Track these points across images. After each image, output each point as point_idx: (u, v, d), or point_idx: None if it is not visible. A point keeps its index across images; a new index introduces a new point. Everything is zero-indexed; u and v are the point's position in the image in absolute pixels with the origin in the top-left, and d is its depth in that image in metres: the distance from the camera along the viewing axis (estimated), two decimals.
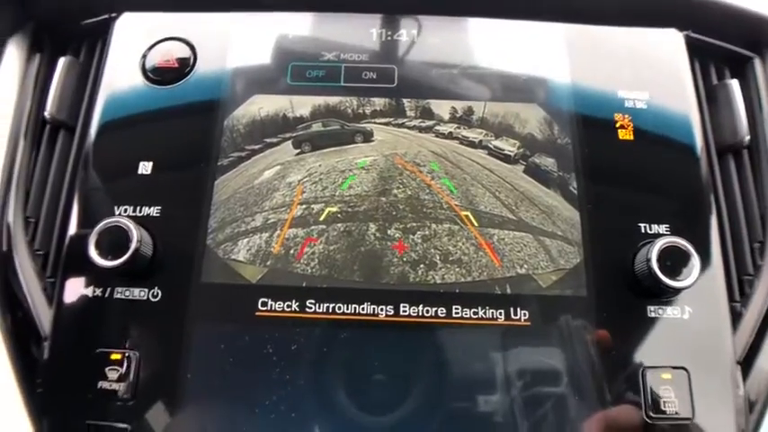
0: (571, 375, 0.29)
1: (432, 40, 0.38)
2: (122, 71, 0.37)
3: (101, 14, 0.40)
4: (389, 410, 0.29)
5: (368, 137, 0.35)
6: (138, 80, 0.37)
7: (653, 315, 0.31)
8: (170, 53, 0.37)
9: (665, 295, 0.30)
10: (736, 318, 0.32)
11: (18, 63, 0.39)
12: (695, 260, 0.30)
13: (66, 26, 0.41)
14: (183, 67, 0.37)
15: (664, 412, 0.29)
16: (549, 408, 0.29)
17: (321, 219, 0.33)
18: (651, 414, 0.29)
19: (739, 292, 0.33)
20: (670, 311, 0.31)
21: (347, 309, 0.30)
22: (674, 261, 0.30)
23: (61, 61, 0.39)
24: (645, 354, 0.30)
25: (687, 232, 0.32)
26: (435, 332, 0.30)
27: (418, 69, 0.37)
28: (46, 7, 0.40)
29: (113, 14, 0.39)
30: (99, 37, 0.40)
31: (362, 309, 0.30)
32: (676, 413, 0.29)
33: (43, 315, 0.32)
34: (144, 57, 0.37)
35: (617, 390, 0.29)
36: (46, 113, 0.38)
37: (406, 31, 0.38)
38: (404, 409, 0.29)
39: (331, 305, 0.30)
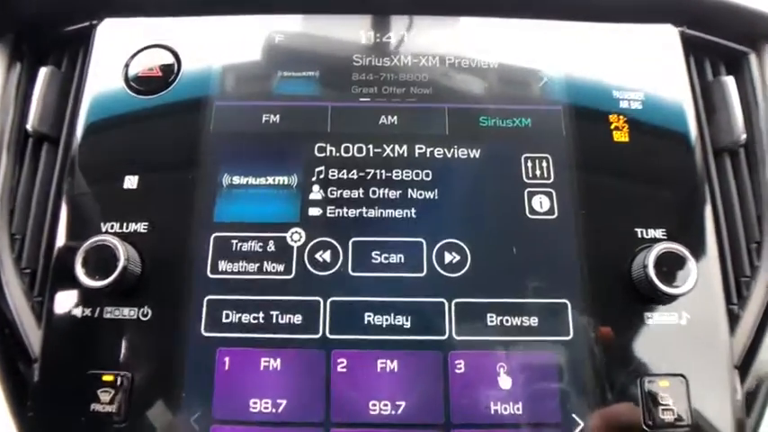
0: (568, 384, 0.29)
1: (424, 40, 0.37)
2: (105, 80, 0.36)
3: (82, 21, 0.39)
4: None
5: None
6: (121, 90, 0.36)
7: (650, 322, 0.30)
8: (153, 61, 0.36)
9: (663, 301, 0.30)
10: (733, 320, 0.32)
11: None
12: (692, 265, 0.29)
13: (47, 34, 0.40)
14: (167, 75, 0.36)
15: (662, 420, 0.28)
16: (546, 416, 0.29)
17: None
18: (649, 423, 0.28)
19: (737, 294, 0.33)
20: (668, 317, 0.30)
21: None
22: (671, 267, 0.29)
23: (42, 71, 0.38)
24: (642, 361, 0.30)
25: (684, 236, 0.31)
26: None
27: (410, 69, 0.36)
28: (25, 14, 0.39)
29: (95, 21, 0.38)
30: (81, 45, 0.39)
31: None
32: (675, 421, 0.28)
33: (32, 335, 0.32)
34: (126, 65, 0.36)
35: (615, 399, 0.29)
36: (28, 126, 0.37)
37: (396, 31, 0.37)
38: None
39: None
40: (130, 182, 0.33)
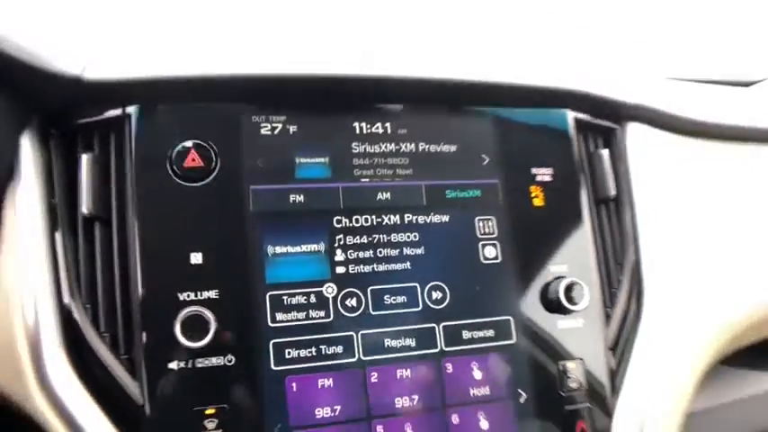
0: (514, 370, 0.46)
1: (403, 130, 0.49)
2: (150, 168, 0.43)
3: (113, 108, 0.44)
4: None
5: None
6: (169, 176, 0.43)
7: (561, 326, 0.48)
8: (193, 154, 0.44)
9: (568, 314, 0.48)
10: (607, 318, 0.51)
11: (30, 157, 0.43)
12: (586, 291, 0.47)
13: (76, 119, 0.45)
14: (208, 165, 0.44)
15: (570, 387, 0.47)
16: (504, 392, 0.46)
17: None
18: (563, 390, 0.47)
19: (610, 300, 0.52)
20: (571, 323, 0.48)
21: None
22: (572, 293, 0.47)
23: (84, 158, 0.43)
24: (558, 351, 0.48)
25: (579, 269, 0.49)
26: None
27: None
28: (54, 102, 0.44)
29: (127, 109, 0.44)
30: (112, 128, 0.45)
31: None
32: (578, 387, 0.47)
33: (130, 385, 0.40)
34: (170, 157, 0.44)
35: (543, 376, 0.47)
36: (83, 210, 0.43)
37: (382, 123, 0.49)
38: None
39: None
40: (196, 258, 0.42)
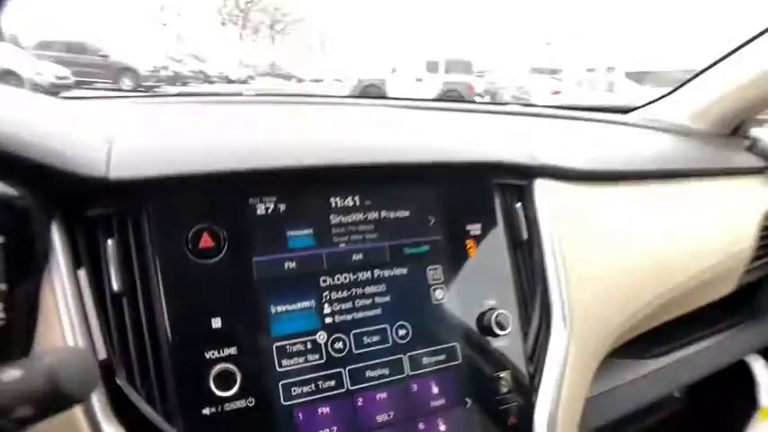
0: (462, 382, 0.61)
1: (368, 202, 0.62)
2: (170, 250, 0.52)
3: (130, 199, 0.52)
4: None
5: None
6: (186, 258, 0.52)
7: (494, 346, 0.64)
8: (205, 236, 0.54)
9: (498, 336, 0.64)
10: (525, 336, 0.67)
11: (59, 243, 0.51)
12: (510, 317, 0.63)
13: (98, 209, 0.53)
14: (218, 244, 0.54)
15: (502, 391, 0.63)
16: (455, 400, 0.60)
17: None
18: (498, 394, 0.63)
19: (526, 322, 0.69)
20: (501, 342, 0.64)
21: None
22: (501, 322, 0.63)
23: (110, 243, 0.52)
24: (494, 362, 0.63)
25: (504, 300, 0.65)
26: None
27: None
28: (80, 197, 0.52)
29: (144, 201, 0.52)
30: (130, 216, 0.53)
31: None
32: (508, 390, 0.63)
33: (167, 429, 0.51)
34: (186, 240, 0.53)
35: (485, 385, 0.62)
36: (114, 288, 0.52)
37: (351, 198, 0.61)
38: None
39: None
40: (216, 322, 0.53)
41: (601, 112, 1.59)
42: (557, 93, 14.39)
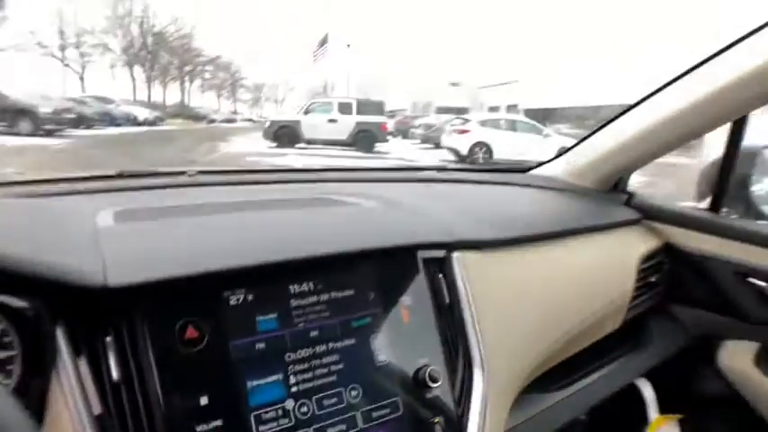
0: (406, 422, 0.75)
1: (320, 286, 0.75)
2: (161, 343, 0.62)
3: (125, 301, 0.62)
4: None
5: None
6: (175, 347, 0.62)
7: (428, 396, 0.78)
8: (190, 328, 0.64)
9: (432, 388, 0.78)
10: (452, 386, 0.82)
11: (62, 343, 0.60)
12: (440, 372, 0.78)
13: (96, 310, 0.62)
14: (202, 333, 0.65)
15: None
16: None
17: None
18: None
19: (453, 374, 0.84)
20: (434, 393, 0.79)
21: None
22: (433, 376, 0.77)
23: (108, 341, 0.61)
24: (430, 404, 0.78)
25: (435, 358, 0.80)
26: None
27: None
28: (83, 303, 0.61)
29: (137, 300, 0.62)
30: (124, 314, 0.62)
31: None
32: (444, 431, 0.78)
33: None
34: (174, 332, 0.63)
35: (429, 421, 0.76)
36: (114, 378, 0.61)
37: (305, 284, 0.74)
38: None
39: None
40: (204, 400, 0.63)
41: (502, 172, 1.83)
42: (464, 132, 15.19)
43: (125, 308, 0.63)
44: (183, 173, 1.21)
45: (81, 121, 17.70)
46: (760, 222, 1.43)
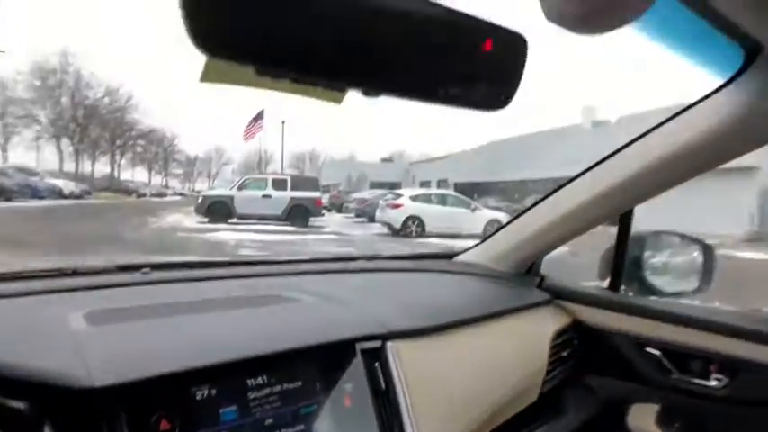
0: None
1: None
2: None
3: (108, 397, 0.71)
4: None
5: None
6: None
7: None
8: (164, 421, 0.73)
9: None
10: None
11: None
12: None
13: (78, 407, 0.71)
14: (174, 423, 0.73)
15: None
16: None
17: None
18: None
19: None
20: None
21: None
22: None
23: None
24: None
25: None
26: None
27: None
28: (69, 402, 0.70)
29: (117, 398, 0.71)
30: (107, 408, 0.71)
31: None
32: None
33: None
34: (149, 424, 0.72)
35: None
36: None
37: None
38: None
39: None
40: None
41: (429, 258, 2.02)
42: (397, 206, 15.67)
43: (106, 405, 0.72)
44: (138, 268, 1.30)
45: (1, 193, 16.84)
46: (652, 298, 1.65)
